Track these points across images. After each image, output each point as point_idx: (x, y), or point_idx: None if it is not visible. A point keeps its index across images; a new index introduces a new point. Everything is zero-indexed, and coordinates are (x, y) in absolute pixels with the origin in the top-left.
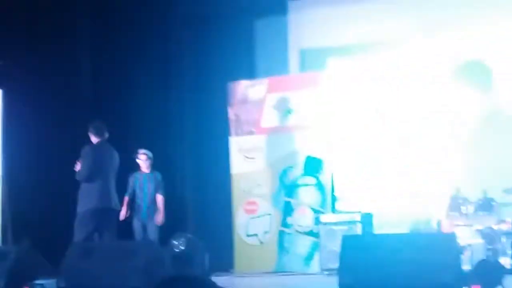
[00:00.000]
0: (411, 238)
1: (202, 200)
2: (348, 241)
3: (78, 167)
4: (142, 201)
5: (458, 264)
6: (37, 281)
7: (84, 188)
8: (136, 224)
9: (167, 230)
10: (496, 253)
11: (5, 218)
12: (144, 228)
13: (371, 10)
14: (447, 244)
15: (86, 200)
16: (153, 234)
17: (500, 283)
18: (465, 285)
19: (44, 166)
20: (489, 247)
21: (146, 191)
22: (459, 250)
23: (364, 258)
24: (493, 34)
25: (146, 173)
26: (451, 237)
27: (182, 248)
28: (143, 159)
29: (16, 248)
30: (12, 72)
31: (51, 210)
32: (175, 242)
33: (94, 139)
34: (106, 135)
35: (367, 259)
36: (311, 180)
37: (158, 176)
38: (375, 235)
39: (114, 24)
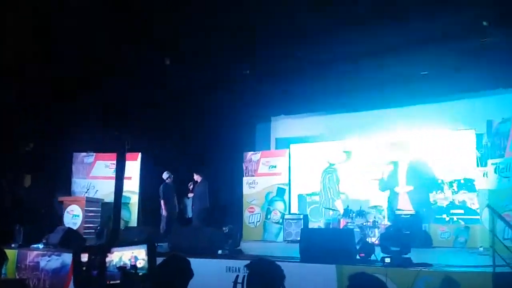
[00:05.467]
0: (332, 230)
1: (231, 206)
2: (304, 230)
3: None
4: None
5: (354, 243)
6: (158, 244)
7: None
8: None
9: (218, 221)
10: (365, 236)
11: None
12: None
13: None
14: (349, 234)
15: None
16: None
17: (373, 253)
18: (357, 254)
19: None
20: (362, 233)
21: None
22: (354, 237)
23: (309, 238)
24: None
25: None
26: (351, 230)
27: (227, 231)
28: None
29: (149, 228)
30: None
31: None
32: (224, 228)
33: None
34: None
35: (312, 239)
36: (279, 198)
37: None
38: (316, 229)
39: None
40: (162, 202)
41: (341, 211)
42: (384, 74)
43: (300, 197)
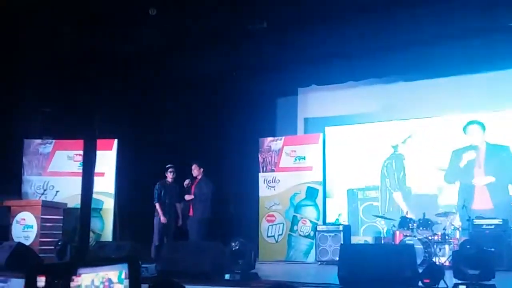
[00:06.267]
0: (384, 247)
1: (242, 213)
2: (344, 247)
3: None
4: None
5: (415, 265)
6: (142, 265)
7: None
8: None
9: (223, 234)
10: (430, 255)
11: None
12: None
13: (350, 94)
14: (408, 252)
15: None
16: None
17: (442, 278)
18: (419, 279)
19: (141, 188)
20: (426, 250)
21: None
22: (415, 256)
23: (354, 259)
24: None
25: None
26: (411, 247)
27: (237, 247)
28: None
29: (129, 243)
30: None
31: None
32: (233, 243)
33: None
34: None
35: (356, 260)
36: (310, 202)
37: None
38: (361, 245)
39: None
40: (157, 205)
41: (405, 209)
42: (460, 24)
43: (351, 193)
